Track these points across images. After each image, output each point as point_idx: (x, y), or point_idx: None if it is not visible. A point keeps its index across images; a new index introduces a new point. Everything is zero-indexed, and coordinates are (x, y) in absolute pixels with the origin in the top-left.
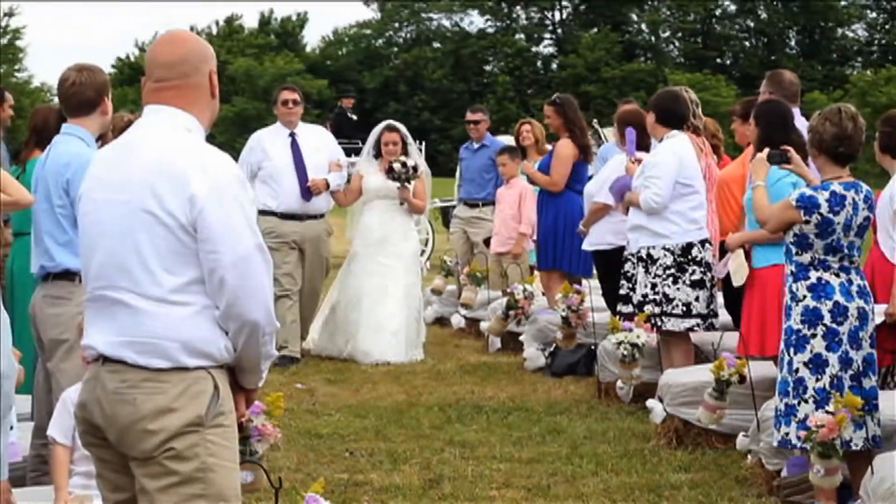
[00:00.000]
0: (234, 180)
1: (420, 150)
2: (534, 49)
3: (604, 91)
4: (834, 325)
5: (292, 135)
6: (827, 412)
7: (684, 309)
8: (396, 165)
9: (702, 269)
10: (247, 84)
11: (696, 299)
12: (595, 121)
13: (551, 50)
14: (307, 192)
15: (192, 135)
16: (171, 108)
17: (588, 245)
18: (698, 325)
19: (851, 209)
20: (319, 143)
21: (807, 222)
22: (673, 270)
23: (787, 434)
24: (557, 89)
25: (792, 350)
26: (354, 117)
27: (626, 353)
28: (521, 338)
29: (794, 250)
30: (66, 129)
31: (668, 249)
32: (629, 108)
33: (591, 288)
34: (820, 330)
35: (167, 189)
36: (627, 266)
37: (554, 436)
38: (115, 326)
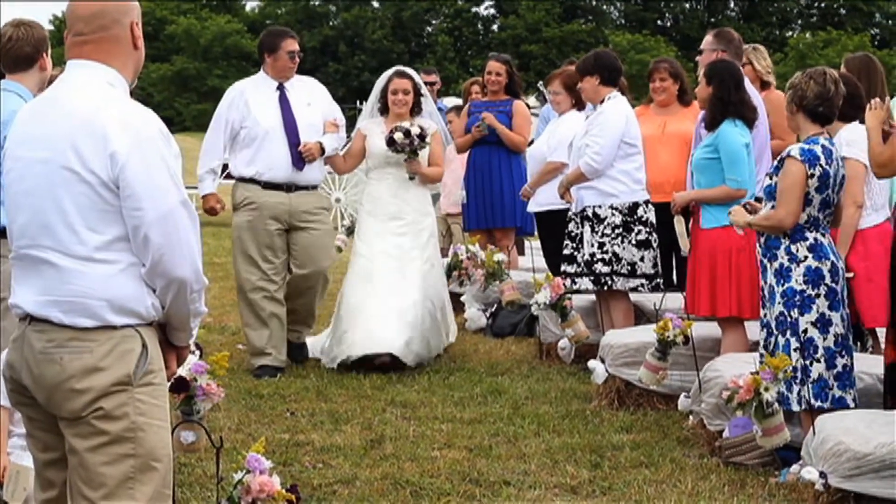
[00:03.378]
0: (156, 135)
1: (359, 110)
2: (474, 10)
3: (544, 52)
4: (833, 285)
5: (281, 87)
6: (752, 374)
7: (629, 269)
8: (398, 136)
9: (647, 230)
10: (186, 43)
11: (642, 259)
12: (541, 83)
13: (492, 11)
14: (299, 159)
15: (115, 89)
16: (91, 63)
17: (537, 206)
18: (643, 285)
19: (837, 164)
20: (312, 97)
21: (811, 175)
22: (620, 230)
23: (802, 394)
24: (498, 50)
25: (796, 311)
26: None
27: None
28: (463, 298)
29: None
30: (5, 85)
31: (615, 208)
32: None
33: (534, 248)
34: (823, 290)
35: (88, 146)
36: (571, 226)
37: (495, 396)
38: (41, 285)
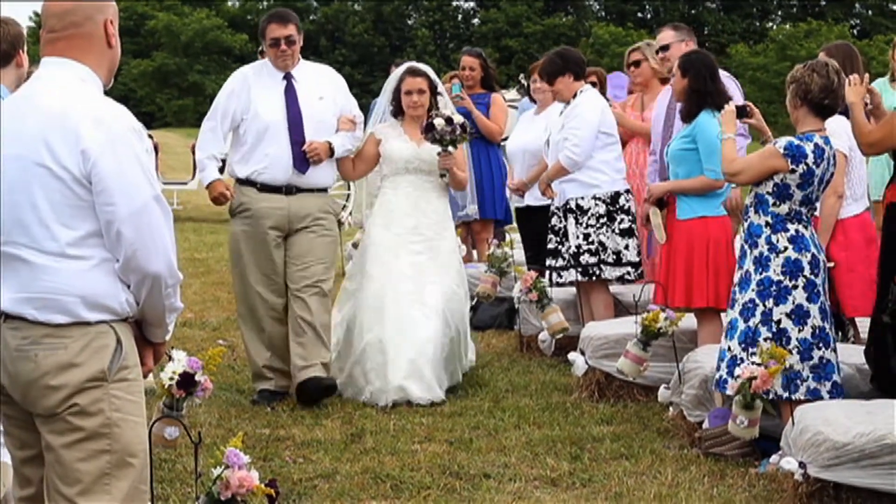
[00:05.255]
0: (128, 131)
1: None
2: (455, 3)
3: (525, 46)
4: (812, 277)
5: (288, 77)
6: (755, 363)
7: (615, 257)
8: (438, 122)
9: (630, 218)
10: (167, 39)
11: (626, 247)
12: (522, 75)
13: (472, 4)
14: (302, 160)
15: (87, 86)
16: (64, 60)
17: (535, 200)
18: (629, 273)
19: (827, 164)
20: (325, 89)
21: (792, 171)
22: (605, 219)
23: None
24: (479, 44)
25: (771, 301)
26: None
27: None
28: None
29: (771, 201)
30: None
31: (598, 198)
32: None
33: (515, 241)
34: (801, 281)
35: (60, 142)
36: (554, 220)
37: (476, 389)
38: (15, 282)
